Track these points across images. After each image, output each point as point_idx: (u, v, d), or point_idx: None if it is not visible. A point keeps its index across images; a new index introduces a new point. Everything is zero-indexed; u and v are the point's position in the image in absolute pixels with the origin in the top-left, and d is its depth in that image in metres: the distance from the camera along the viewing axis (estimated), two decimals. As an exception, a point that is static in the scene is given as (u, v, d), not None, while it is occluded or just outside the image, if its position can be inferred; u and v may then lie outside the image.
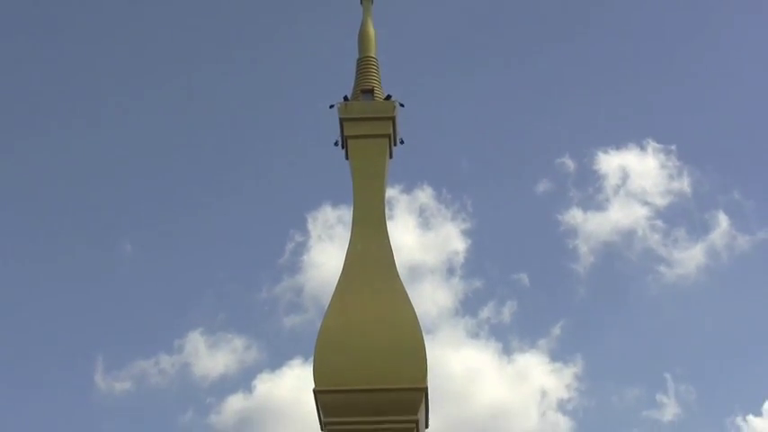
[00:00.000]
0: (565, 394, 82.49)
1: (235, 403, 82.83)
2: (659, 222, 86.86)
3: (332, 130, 41.11)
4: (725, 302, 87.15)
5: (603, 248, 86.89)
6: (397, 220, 79.42)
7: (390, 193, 72.60)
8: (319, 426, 38.19)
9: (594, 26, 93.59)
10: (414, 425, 37.51)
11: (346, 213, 40.82)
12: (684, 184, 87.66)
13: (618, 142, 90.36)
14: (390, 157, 41.14)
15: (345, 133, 40.78)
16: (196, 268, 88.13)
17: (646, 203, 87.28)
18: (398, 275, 40.00)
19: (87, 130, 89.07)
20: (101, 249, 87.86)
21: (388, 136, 40.79)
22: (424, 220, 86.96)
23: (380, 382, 36.82)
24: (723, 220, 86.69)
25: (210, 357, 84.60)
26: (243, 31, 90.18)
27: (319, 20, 79.26)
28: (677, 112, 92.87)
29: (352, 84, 41.97)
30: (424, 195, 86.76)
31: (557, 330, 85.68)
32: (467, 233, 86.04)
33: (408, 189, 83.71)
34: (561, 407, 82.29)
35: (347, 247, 40.28)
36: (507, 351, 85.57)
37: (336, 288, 39.63)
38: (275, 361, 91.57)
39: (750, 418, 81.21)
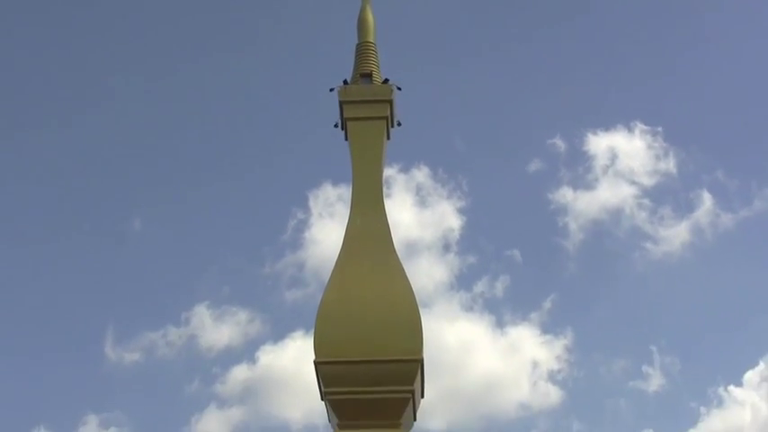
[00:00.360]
0: (555, 365, 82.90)
1: (239, 373, 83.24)
2: (646, 201, 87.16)
3: (332, 112, 41.19)
4: (708, 278, 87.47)
5: (592, 226, 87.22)
6: (394, 199, 79.74)
7: (388, 172, 72.42)
8: (320, 395, 38.25)
9: (584, 12, 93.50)
10: (410, 395, 37.60)
11: (346, 192, 40.92)
12: (670, 165, 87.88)
13: (606, 124, 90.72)
14: (388, 138, 41.19)
15: (345, 115, 40.84)
16: (202, 244, 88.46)
17: (633, 183, 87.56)
18: (395, 251, 40.05)
19: (98, 111, 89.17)
20: (111, 226, 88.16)
21: (386, 118, 40.85)
22: (421, 198, 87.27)
23: (378, 354, 36.91)
24: (707, 199, 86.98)
25: (216, 330, 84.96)
26: (247, 17, 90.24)
27: (320, 7, 79.21)
28: (663, 95, 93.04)
29: (352, 68, 42.06)
30: (421, 175, 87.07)
31: (547, 304, 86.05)
32: (462, 211, 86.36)
33: (406, 169, 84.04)
34: (552, 377, 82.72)
35: (346, 224, 40.51)
36: (500, 324, 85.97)
37: (336, 264, 39.55)
38: (278, 333, 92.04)
39: (731, 388, 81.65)
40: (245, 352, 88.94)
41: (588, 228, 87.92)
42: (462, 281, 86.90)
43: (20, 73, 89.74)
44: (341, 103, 41.11)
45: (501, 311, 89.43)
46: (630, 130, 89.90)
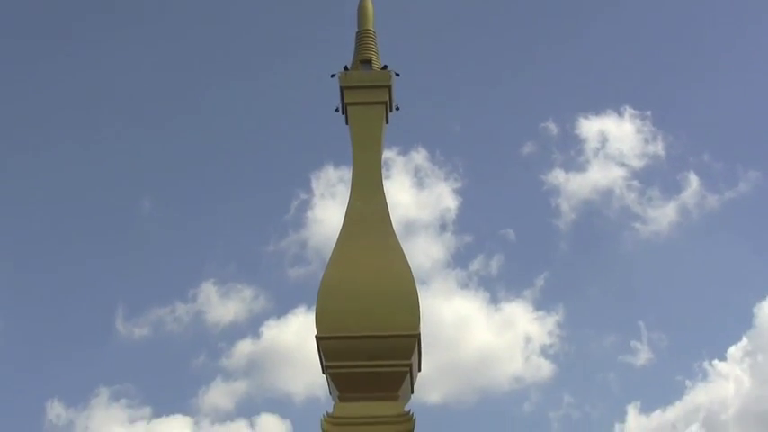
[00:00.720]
0: (547, 340, 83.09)
1: (244, 348, 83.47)
2: (635, 183, 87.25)
3: (333, 97, 41.20)
4: (695, 257, 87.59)
5: (584, 206, 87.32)
6: (393, 180, 79.79)
7: (387, 155, 72.71)
8: (321, 369, 38.29)
9: (576, 2, 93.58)
10: (407, 368, 37.71)
11: (347, 173, 40.92)
12: (658, 148, 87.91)
13: (597, 108, 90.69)
14: (387, 122, 41.19)
15: (345, 100, 40.85)
16: (209, 224, 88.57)
17: (623, 165, 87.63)
18: (394, 231, 40.00)
19: (108, 98, 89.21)
20: (122, 207, 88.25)
21: (385, 103, 40.86)
22: (419, 180, 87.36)
23: (377, 329, 37.00)
24: (694, 181, 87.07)
25: (222, 305, 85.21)
26: (253, 6, 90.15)
27: (322, -5, 79.11)
28: (652, 80, 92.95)
29: (352, 55, 42.05)
30: (419, 157, 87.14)
31: (540, 281, 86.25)
32: (458, 192, 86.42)
33: (404, 151, 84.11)
34: (544, 352, 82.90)
35: (347, 204, 40.50)
36: (495, 300, 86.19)
37: (337, 243, 39.55)
38: (281, 309, 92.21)
39: (715, 362, 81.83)
40: (250, 327, 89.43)
41: (579, 208, 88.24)
42: (458, 259, 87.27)
43: (33, 61, 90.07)
44: (341, 89, 41.06)
45: (495, 288, 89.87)
46: (620, 114, 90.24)
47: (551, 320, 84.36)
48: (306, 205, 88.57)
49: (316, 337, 37.88)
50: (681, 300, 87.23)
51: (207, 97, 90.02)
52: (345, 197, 41.00)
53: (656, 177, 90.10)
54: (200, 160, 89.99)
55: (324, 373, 38.19)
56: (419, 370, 39.75)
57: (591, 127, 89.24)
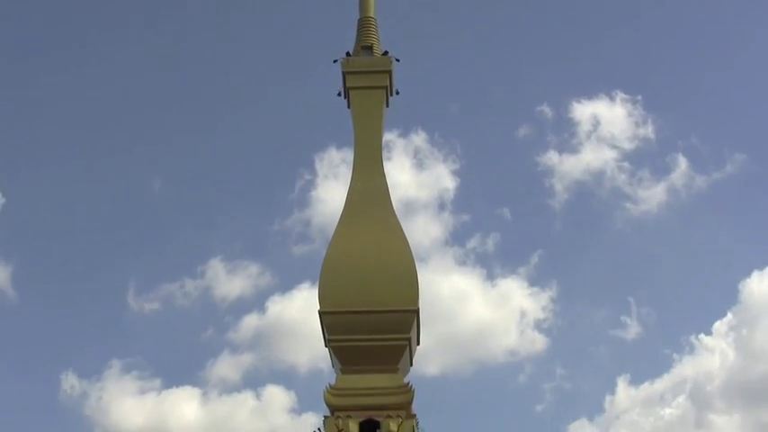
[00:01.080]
0: (541, 315, 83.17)
1: (250, 322, 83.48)
2: (626, 164, 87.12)
3: (336, 82, 41.19)
4: (683, 236, 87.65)
5: (576, 187, 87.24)
6: (394, 161, 79.69)
7: (388, 137, 72.63)
8: (324, 342, 38.45)
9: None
10: (406, 342, 37.87)
11: (349, 155, 40.90)
12: (648, 131, 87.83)
13: (590, 93, 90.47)
14: (387, 105, 41.17)
15: (347, 85, 40.84)
16: (217, 203, 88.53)
17: (614, 147, 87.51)
18: (394, 210, 40.09)
19: (121, 79, 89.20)
20: (134, 186, 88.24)
21: (385, 87, 40.84)
22: (419, 161, 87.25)
23: (377, 305, 37.05)
24: (682, 163, 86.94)
25: (229, 281, 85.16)
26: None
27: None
28: (643, 66, 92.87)
29: (354, 41, 42.03)
30: (419, 139, 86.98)
31: (534, 259, 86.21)
32: (456, 173, 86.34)
33: (405, 133, 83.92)
34: (538, 326, 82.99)
35: (349, 185, 40.54)
36: (491, 277, 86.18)
37: (339, 222, 39.59)
38: (286, 285, 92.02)
39: (702, 336, 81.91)
40: (256, 302, 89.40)
41: (572, 188, 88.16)
42: (456, 237, 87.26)
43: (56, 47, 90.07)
44: (344, 74, 41.06)
45: (491, 265, 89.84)
46: (612, 98, 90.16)
47: (545, 296, 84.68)
48: (310, 185, 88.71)
49: (319, 311, 37.96)
50: (669, 276, 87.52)
51: (215, 82, 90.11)
52: (348, 178, 41.01)
53: (646, 159, 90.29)
54: (208, 143, 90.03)
55: (326, 346, 38.35)
56: (418, 343, 39.86)
57: (584, 111, 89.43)
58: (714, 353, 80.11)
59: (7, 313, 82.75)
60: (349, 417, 35.95)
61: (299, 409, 75.46)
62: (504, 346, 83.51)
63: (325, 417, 36.80)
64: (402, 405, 36.57)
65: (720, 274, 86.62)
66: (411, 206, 79.85)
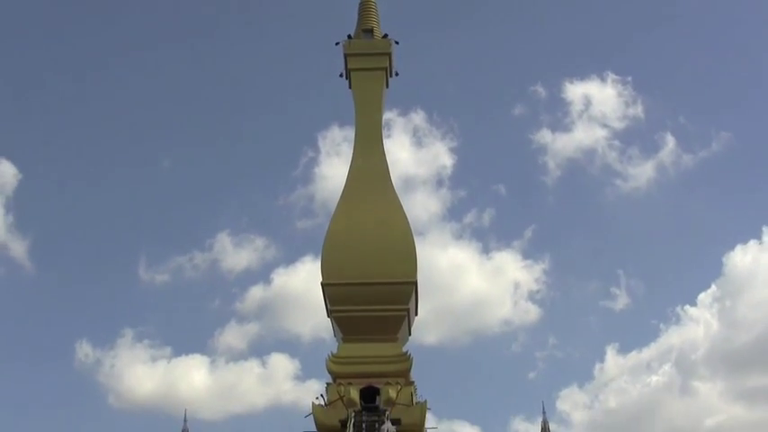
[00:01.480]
0: (534, 286, 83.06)
1: (256, 293, 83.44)
2: (616, 142, 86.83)
3: (338, 63, 41.19)
4: (670, 211, 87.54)
5: (569, 164, 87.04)
6: (394, 140, 79.41)
7: (389, 116, 72.56)
8: (326, 313, 38.74)
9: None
10: (405, 312, 38.16)
11: (351, 133, 40.93)
12: (638, 110, 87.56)
13: (582, 74, 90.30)
14: (387, 86, 41.21)
15: (349, 66, 40.88)
16: (224, 180, 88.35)
17: (605, 126, 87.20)
18: (393, 187, 40.28)
19: (135, 67, 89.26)
20: (145, 164, 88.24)
21: (385, 69, 40.89)
22: (418, 139, 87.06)
23: (377, 277, 37.35)
24: (670, 141, 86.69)
25: (236, 254, 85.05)
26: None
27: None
28: (633, 48, 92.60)
29: (355, 24, 42.03)
30: (418, 118, 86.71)
31: (528, 233, 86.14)
32: (454, 150, 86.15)
33: (404, 113, 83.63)
34: (531, 297, 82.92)
35: (350, 162, 40.62)
36: (486, 250, 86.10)
37: (341, 197, 39.95)
38: (290, 258, 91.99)
39: (687, 307, 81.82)
40: (261, 274, 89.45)
41: (565, 165, 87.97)
42: (453, 212, 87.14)
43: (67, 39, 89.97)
44: (345, 56, 41.15)
45: (487, 239, 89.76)
46: (603, 79, 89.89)
47: (538, 268, 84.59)
48: (313, 162, 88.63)
49: (321, 283, 38.37)
50: (657, 250, 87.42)
51: (223, 67, 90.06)
52: (349, 155, 41.28)
53: (635, 138, 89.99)
54: (216, 123, 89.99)
55: (329, 316, 38.76)
56: (416, 314, 40.15)
57: (576, 91, 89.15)
58: (699, 323, 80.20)
59: (25, 285, 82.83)
60: (350, 384, 36.12)
61: (302, 376, 75.57)
62: (499, 317, 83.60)
63: (327, 383, 37.14)
64: (401, 373, 36.87)
65: (705, 247, 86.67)
66: (410, 182, 79.76)
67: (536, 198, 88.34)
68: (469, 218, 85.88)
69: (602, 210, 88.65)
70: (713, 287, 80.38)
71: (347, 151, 41.48)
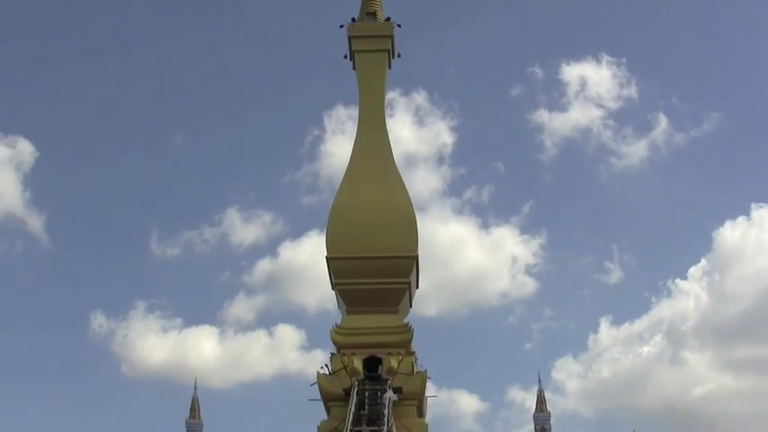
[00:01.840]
0: (531, 260, 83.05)
1: (263, 266, 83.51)
2: (611, 122, 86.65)
3: (342, 45, 41.07)
4: (662, 188, 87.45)
5: (565, 143, 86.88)
6: (396, 118, 79.34)
7: (391, 95, 72.39)
8: (331, 285, 38.79)
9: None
10: (406, 285, 38.18)
11: (355, 112, 40.80)
12: (632, 91, 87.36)
13: (578, 55, 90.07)
14: (389, 67, 41.10)
15: (353, 48, 40.78)
16: (233, 156, 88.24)
17: (600, 106, 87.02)
18: (395, 164, 40.21)
19: (148, 46, 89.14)
20: (156, 141, 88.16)
21: (388, 51, 40.78)
22: (419, 118, 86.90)
23: (380, 251, 37.36)
24: (663, 121, 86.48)
25: (244, 229, 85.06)
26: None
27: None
28: (628, 30, 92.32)
29: (359, 8, 41.89)
30: (420, 98, 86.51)
31: (526, 209, 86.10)
32: (454, 129, 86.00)
33: (406, 92, 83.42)
34: (528, 271, 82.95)
35: (354, 140, 40.62)
36: (485, 225, 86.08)
37: (345, 174, 39.92)
38: (296, 232, 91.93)
39: (678, 281, 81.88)
40: (269, 248, 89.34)
41: (561, 144, 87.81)
42: (453, 188, 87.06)
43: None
44: (349, 38, 41.00)
45: (486, 215, 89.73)
46: (598, 61, 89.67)
47: (535, 243, 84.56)
48: (318, 140, 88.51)
49: (326, 257, 38.41)
50: (649, 226, 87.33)
51: (234, 48, 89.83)
52: (354, 133, 41.10)
53: (629, 117, 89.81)
54: (225, 102, 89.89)
55: (333, 289, 38.81)
56: (417, 287, 40.19)
57: (572, 72, 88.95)
58: (689, 296, 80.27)
59: (41, 258, 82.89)
60: (353, 354, 36.22)
61: (308, 346, 75.68)
62: (497, 290, 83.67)
63: (331, 354, 37.28)
64: (402, 343, 36.97)
65: (696, 223, 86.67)
66: (412, 160, 79.64)
67: (533, 175, 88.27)
68: (469, 194, 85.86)
69: (597, 187, 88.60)
70: (703, 261, 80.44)
71: (351, 130, 41.48)
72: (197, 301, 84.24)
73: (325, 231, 38.50)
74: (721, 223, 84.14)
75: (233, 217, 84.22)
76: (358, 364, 35.71)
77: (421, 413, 36.45)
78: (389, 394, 33.13)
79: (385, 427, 30.29)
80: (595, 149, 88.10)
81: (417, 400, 36.04)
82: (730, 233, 79.95)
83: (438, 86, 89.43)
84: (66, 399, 74.83)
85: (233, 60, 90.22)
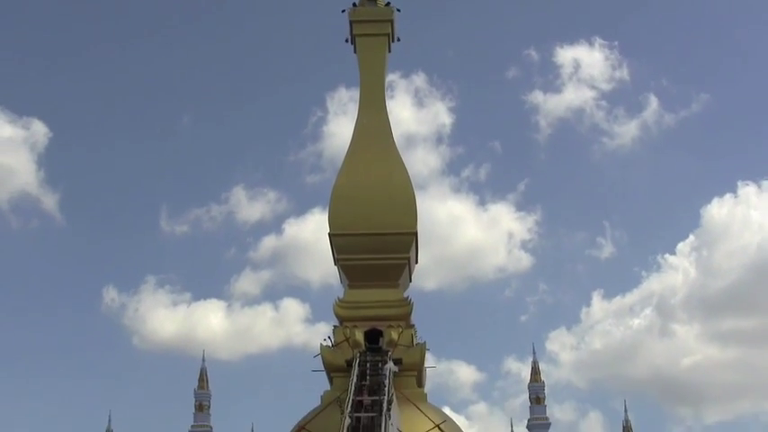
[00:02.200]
0: (527, 236, 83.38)
1: (269, 242, 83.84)
2: (603, 103, 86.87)
3: (344, 29, 40.92)
4: (653, 167, 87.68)
5: (559, 123, 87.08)
6: (397, 100, 79.44)
7: (392, 77, 72.38)
8: (333, 261, 38.73)
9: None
10: (406, 261, 38.07)
11: (357, 94, 40.68)
12: (624, 73, 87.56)
13: (572, 39, 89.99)
14: (389, 51, 40.87)
15: (354, 32, 40.58)
16: (239, 137, 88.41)
17: (593, 88, 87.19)
18: (395, 144, 39.98)
19: (154, 31, 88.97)
20: (165, 121, 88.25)
21: (388, 35, 40.56)
22: (419, 99, 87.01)
23: (380, 228, 37.21)
24: (653, 102, 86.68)
25: (250, 207, 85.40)
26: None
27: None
28: (620, 14, 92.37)
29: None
30: (419, 80, 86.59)
31: (521, 187, 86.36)
32: (452, 110, 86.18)
33: (406, 75, 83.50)
34: (524, 246, 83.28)
35: (355, 121, 40.50)
36: (482, 202, 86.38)
37: (347, 154, 39.72)
38: (300, 209, 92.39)
39: (667, 256, 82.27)
40: (274, 225, 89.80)
41: (555, 124, 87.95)
42: (452, 167, 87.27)
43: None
44: (350, 23, 40.75)
45: (483, 192, 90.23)
46: (591, 44, 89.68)
47: (531, 219, 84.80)
48: (322, 121, 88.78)
49: (329, 234, 38.33)
50: (640, 203, 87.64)
51: (240, 32, 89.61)
52: (355, 114, 40.71)
53: (621, 99, 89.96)
54: (232, 85, 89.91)
55: (336, 264, 38.70)
56: (417, 262, 40.09)
57: (566, 55, 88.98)
58: (677, 270, 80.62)
59: (56, 235, 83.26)
60: (355, 326, 36.25)
61: (312, 319, 76.07)
62: (494, 264, 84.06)
63: (334, 326, 37.23)
64: (402, 316, 36.94)
65: (684, 200, 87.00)
66: (412, 140, 79.76)
67: (529, 154, 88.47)
68: (467, 172, 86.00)
69: (590, 165, 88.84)
70: (691, 237, 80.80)
71: (353, 111, 41.37)
72: (205, 276, 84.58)
73: (327, 209, 38.48)
74: (709, 200, 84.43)
75: (239, 195, 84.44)
76: (360, 336, 35.78)
77: (420, 383, 36.54)
78: (390, 365, 33.16)
79: (386, 397, 30.29)
80: (588, 129, 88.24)
81: (417, 371, 36.11)
82: (717, 210, 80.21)
83: (437, 69, 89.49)
84: (80, 370, 75.31)
85: (239, 45, 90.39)
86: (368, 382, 32.31)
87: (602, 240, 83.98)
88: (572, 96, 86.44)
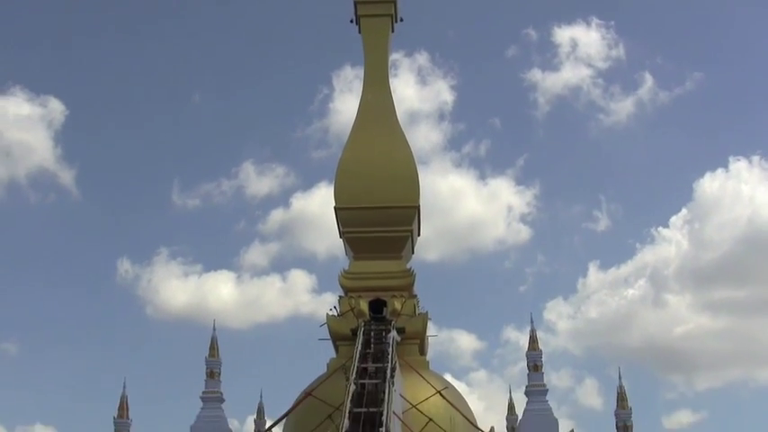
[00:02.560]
0: (526, 210, 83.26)
1: (277, 215, 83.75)
2: (600, 81, 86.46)
3: (349, 10, 40.75)
4: (647, 142, 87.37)
5: (557, 100, 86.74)
6: (400, 78, 79.09)
7: (396, 56, 71.88)
8: (338, 234, 38.75)
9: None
10: (409, 233, 38.09)
11: (362, 72, 40.59)
12: (620, 52, 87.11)
13: (569, 19, 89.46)
14: (393, 31, 40.67)
15: (358, 13, 40.39)
16: (248, 113, 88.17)
17: (590, 66, 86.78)
18: (398, 121, 39.88)
19: (166, 17, 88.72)
20: (176, 100, 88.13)
21: (391, 16, 40.35)
22: (422, 77, 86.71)
23: (384, 201, 37.19)
24: (648, 80, 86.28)
25: (258, 181, 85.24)
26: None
27: None
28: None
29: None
30: (422, 59, 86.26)
31: (520, 162, 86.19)
32: (454, 88, 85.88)
33: (410, 54, 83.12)
34: (523, 219, 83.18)
35: (360, 98, 40.39)
36: (482, 177, 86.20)
37: (351, 130, 39.72)
38: (307, 184, 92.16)
39: (660, 229, 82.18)
40: (282, 199, 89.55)
41: (553, 102, 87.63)
42: (453, 143, 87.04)
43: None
44: (355, 3, 40.49)
45: (483, 167, 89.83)
46: (588, 24, 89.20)
47: (529, 193, 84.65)
48: (328, 98, 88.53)
49: (334, 207, 38.31)
50: (635, 177, 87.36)
51: (248, 11, 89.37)
52: (360, 92, 40.46)
53: (617, 77, 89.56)
54: (241, 63, 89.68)
55: (341, 237, 38.64)
56: (419, 234, 40.12)
57: (564, 34, 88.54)
58: (671, 243, 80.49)
59: (72, 209, 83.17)
60: (360, 297, 36.33)
61: (318, 289, 76.05)
62: (494, 237, 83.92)
63: (340, 297, 37.33)
64: (405, 287, 37.04)
65: (677, 175, 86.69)
66: (415, 116, 79.53)
67: (527, 131, 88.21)
68: (467, 148, 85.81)
69: (587, 141, 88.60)
70: (684, 211, 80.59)
71: (358, 89, 41.24)
72: (215, 247, 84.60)
73: (333, 183, 38.45)
74: (701, 175, 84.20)
75: (248, 170, 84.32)
76: (364, 306, 35.89)
77: (422, 351, 36.65)
78: (393, 334, 33.23)
79: (389, 365, 30.37)
80: (585, 106, 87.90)
81: (419, 340, 36.21)
82: (709, 184, 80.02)
83: (439, 48, 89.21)
84: (96, 339, 75.55)
85: (249, 26, 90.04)
86: (372, 350, 32.41)
87: (598, 213, 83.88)
88: (569, 74, 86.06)
